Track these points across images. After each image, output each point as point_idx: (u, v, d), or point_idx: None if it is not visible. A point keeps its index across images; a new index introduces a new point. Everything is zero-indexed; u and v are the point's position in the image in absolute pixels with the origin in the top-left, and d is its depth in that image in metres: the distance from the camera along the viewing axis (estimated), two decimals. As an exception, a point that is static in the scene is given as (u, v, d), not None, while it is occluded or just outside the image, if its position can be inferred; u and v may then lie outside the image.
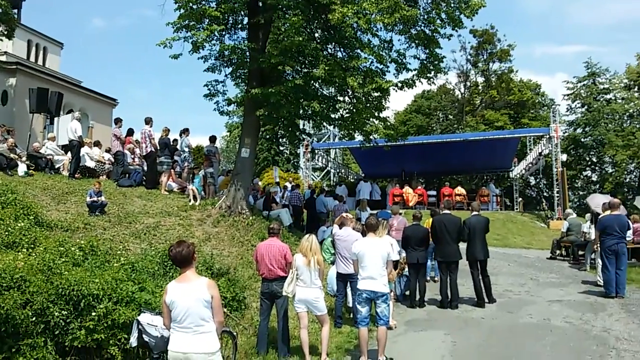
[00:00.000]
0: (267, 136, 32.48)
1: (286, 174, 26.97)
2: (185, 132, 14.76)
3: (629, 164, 31.60)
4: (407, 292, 9.58)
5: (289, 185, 18.89)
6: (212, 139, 14.29)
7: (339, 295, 8.29)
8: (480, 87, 39.46)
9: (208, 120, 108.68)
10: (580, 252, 13.74)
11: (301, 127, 17.70)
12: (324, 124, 15.01)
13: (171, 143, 13.76)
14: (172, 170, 13.65)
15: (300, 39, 10.16)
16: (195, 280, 4.04)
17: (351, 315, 8.25)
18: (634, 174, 33.32)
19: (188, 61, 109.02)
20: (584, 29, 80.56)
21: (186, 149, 14.75)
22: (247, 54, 11.67)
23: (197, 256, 8.17)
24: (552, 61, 77.40)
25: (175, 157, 14.26)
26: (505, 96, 36.66)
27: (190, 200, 11.98)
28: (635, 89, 32.61)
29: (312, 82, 11.62)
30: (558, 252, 15.13)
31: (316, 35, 12.34)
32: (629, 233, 10.15)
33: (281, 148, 34.72)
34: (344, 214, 9.44)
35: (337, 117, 13.32)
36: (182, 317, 3.96)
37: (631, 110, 32.58)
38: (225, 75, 12.82)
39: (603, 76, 34.36)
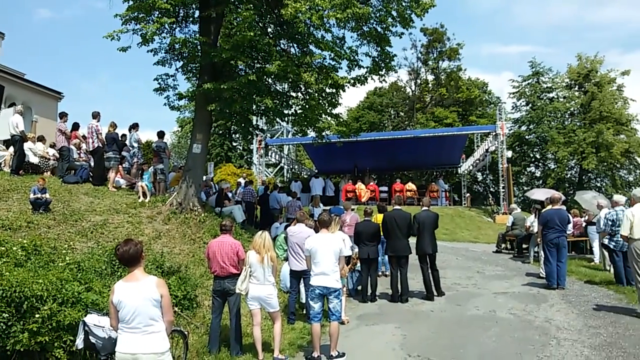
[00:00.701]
0: (220, 132, 32.09)
1: (239, 170, 26.73)
2: (134, 127, 14.40)
3: (570, 160, 33.06)
4: (359, 287, 9.70)
5: (242, 182, 18.72)
6: (161, 134, 13.99)
7: (292, 292, 8.32)
8: (430, 85, 40.33)
9: (159, 115, 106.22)
10: (524, 246, 14.31)
11: (254, 122, 17.57)
12: (277, 120, 14.97)
13: (119, 138, 13.38)
14: (120, 166, 13.28)
15: (252, 34, 10.07)
16: (144, 279, 3.96)
17: (304, 311, 8.30)
18: (575, 170, 34.89)
19: (138, 54, 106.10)
20: (528, 29, 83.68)
21: (135, 145, 14.38)
22: (199, 47, 11.47)
23: (147, 254, 8.02)
24: (499, 60, 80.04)
25: (124, 153, 13.89)
26: (454, 94, 37.62)
27: (139, 197, 11.70)
28: (576, 88, 34.12)
29: (265, 77, 11.55)
30: (503, 245, 15.71)
31: (269, 30, 12.27)
32: (570, 227, 10.62)
33: (234, 144, 34.38)
34: (301, 212, 9.49)
35: (290, 113, 13.30)
36: (130, 317, 3.86)
37: (572, 109, 34.10)
38: (176, 69, 12.57)
39: (546, 75, 35.86)
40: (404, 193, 23.32)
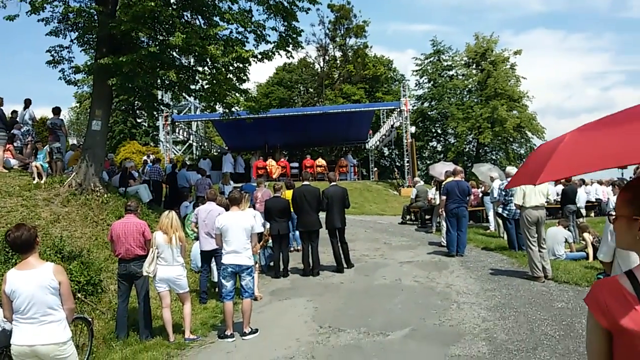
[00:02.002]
0: (123, 107, 30.51)
1: (145, 148, 25.65)
2: (27, 103, 13.31)
3: (468, 134, 35.07)
4: (271, 263, 9.79)
5: (148, 160, 18.01)
6: (56, 110, 13.01)
7: (203, 271, 8.22)
8: (338, 62, 40.74)
9: (55, 90, 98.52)
10: (427, 216, 15.09)
11: (159, 98, 16.86)
12: (184, 95, 14.47)
13: (6, 115, 12.29)
14: (10, 145, 12.24)
15: (153, 4, 9.55)
16: (39, 267, 3.71)
17: (216, 290, 8.24)
18: (472, 144, 37.08)
19: (29, 22, 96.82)
20: (431, 9, 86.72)
21: (30, 122, 13.31)
22: (95, 18, 10.71)
23: (44, 239, 7.54)
24: (403, 38, 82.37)
25: (14, 131, 12.80)
26: (361, 71, 38.29)
27: (34, 178, 10.89)
28: (474, 67, 36.02)
29: (169, 50, 11.07)
30: (408, 217, 16.47)
31: (172, 1, 11.73)
32: (470, 198, 11.31)
33: (139, 120, 32.84)
34: (211, 190, 9.35)
35: (197, 88, 12.90)
36: (25, 308, 3.62)
37: (470, 86, 36.05)
38: (71, 41, 11.65)
39: (446, 54, 37.52)
40: (315, 169, 23.62)
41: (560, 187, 13.85)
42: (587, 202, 16.35)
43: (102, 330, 6.43)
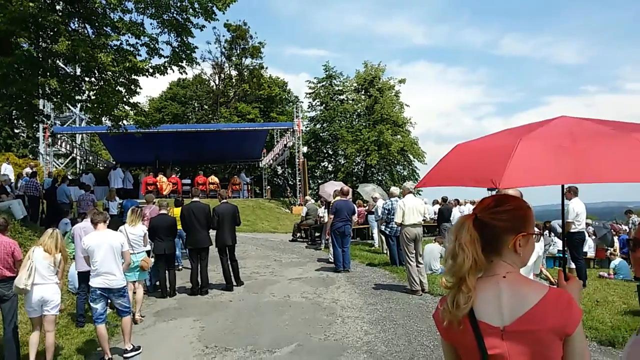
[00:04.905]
0: (-2, 116, 27.90)
1: (22, 160, 23.63)
2: None
3: (357, 156, 36.52)
4: (157, 283, 9.49)
5: (24, 173, 16.64)
6: None
7: (80, 292, 7.76)
8: (234, 80, 40.75)
9: None
10: (317, 234, 15.52)
11: (41, 107, 15.75)
12: (68, 106, 13.62)
13: None
14: None
15: (33, 5, 9.00)
16: None
17: (96, 312, 7.81)
18: (361, 165, 38.61)
19: None
20: (325, 36, 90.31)
21: None
22: (-34, 17, 9.87)
23: None
24: (298, 62, 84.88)
25: None
26: (256, 90, 38.60)
27: None
28: (362, 92, 37.67)
29: (53, 58, 10.47)
30: (299, 234, 16.81)
31: (58, 7, 11.14)
32: (355, 216, 11.86)
33: (16, 130, 30.19)
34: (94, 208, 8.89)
35: (82, 98, 12.30)
36: None
37: (359, 110, 37.62)
38: (-62, 40, 10.63)
39: (338, 79, 38.89)
40: (207, 186, 23.30)
41: (437, 207, 14.96)
42: (462, 221, 17.71)
43: (-40, 359, 5.86)
